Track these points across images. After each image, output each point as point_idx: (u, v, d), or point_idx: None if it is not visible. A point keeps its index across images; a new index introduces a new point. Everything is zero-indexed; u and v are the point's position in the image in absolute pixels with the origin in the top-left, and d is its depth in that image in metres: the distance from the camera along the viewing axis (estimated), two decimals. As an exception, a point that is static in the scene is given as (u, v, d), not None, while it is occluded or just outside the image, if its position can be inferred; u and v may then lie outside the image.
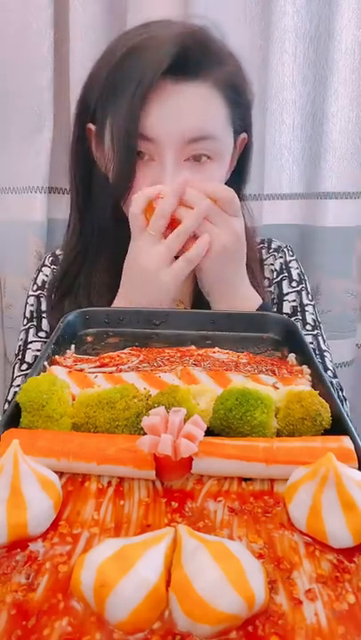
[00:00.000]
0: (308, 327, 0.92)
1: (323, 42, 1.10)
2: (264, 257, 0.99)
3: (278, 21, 1.07)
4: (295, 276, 0.97)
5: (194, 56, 0.75)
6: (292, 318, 0.91)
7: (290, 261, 0.99)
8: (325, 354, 0.90)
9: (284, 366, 0.57)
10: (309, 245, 1.21)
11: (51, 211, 1.19)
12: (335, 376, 0.89)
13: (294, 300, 0.94)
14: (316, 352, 0.90)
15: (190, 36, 0.77)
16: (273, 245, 1.00)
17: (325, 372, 0.89)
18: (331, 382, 0.83)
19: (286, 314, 0.92)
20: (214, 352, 0.59)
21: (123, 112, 0.76)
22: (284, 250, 1.00)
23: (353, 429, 0.43)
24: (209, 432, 0.44)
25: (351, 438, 0.42)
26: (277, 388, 0.50)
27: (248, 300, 0.81)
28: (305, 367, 0.56)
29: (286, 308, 0.93)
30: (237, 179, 0.92)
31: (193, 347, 0.62)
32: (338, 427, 0.45)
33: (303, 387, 0.50)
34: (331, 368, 0.89)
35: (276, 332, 0.67)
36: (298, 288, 0.95)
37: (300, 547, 0.35)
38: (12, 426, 0.45)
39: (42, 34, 1.09)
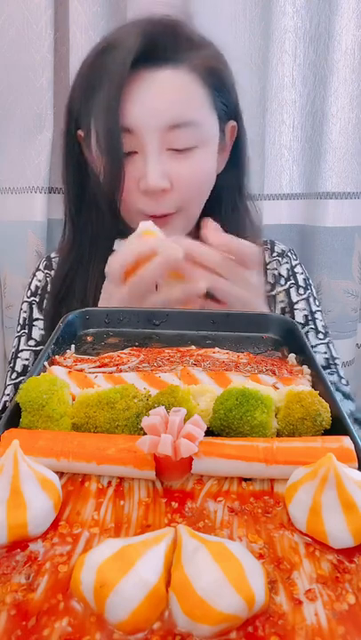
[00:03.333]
0: (321, 335, 0.91)
1: (323, 42, 1.10)
2: (267, 260, 0.98)
3: (278, 21, 1.08)
4: (301, 283, 0.96)
5: (164, 43, 0.75)
6: (305, 328, 0.90)
7: (295, 266, 0.98)
8: (337, 361, 0.90)
9: (284, 366, 0.57)
10: (309, 245, 1.21)
11: (51, 211, 1.19)
12: (348, 383, 0.88)
13: (305, 309, 0.93)
14: (330, 362, 0.89)
15: (158, 24, 0.77)
16: (276, 249, 1.00)
17: (340, 380, 0.89)
18: (344, 392, 0.82)
19: (300, 324, 0.91)
20: (214, 352, 0.59)
21: (102, 108, 0.75)
22: (289, 255, 0.99)
23: (353, 429, 0.43)
24: (209, 432, 0.44)
25: (351, 438, 0.42)
26: (277, 388, 0.50)
27: None
28: (305, 367, 0.56)
29: (299, 317, 0.92)
30: (236, 171, 0.91)
31: (193, 347, 0.62)
32: (338, 427, 0.45)
33: (303, 387, 0.50)
34: (343, 375, 0.89)
35: (276, 332, 0.67)
36: (305, 295, 0.95)
37: (300, 547, 0.35)
38: (12, 426, 0.45)
39: (42, 34, 1.09)
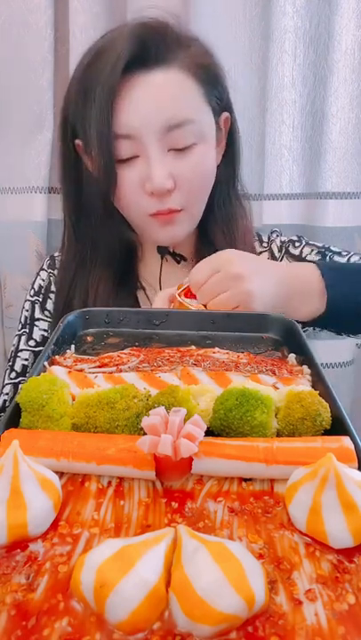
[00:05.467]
0: (344, 253, 0.91)
1: (323, 42, 1.10)
2: (258, 250, 0.99)
3: (278, 21, 1.08)
4: (295, 238, 0.97)
5: (153, 44, 0.76)
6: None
7: (283, 238, 0.99)
8: None
9: (284, 366, 0.57)
10: (309, 245, 1.21)
11: (51, 211, 1.19)
12: None
13: (312, 250, 0.93)
14: None
15: (145, 27, 0.78)
16: (264, 238, 1.01)
17: None
18: None
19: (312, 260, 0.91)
20: (214, 352, 0.59)
21: (95, 113, 0.76)
22: (275, 232, 1.01)
23: (353, 429, 0.43)
24: (209, 432, 0.44)
25: (351, 438, 0.42)
26: (277, 388, 0.50)
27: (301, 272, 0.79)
28: (305, 367, 0.56)
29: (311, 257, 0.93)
30: (230, 163, 0.92)
31: (193, 347, 0.62)
32: (338, 427, 0.45)
33: (303, 387, 0.50)
34: None
35: (276, 332, 0.67)
36: (303, 242, 0.95)
37: (300, 547, 0.35)
38: (12, 426, 0.45)
39: (42, 34, 1.09)
